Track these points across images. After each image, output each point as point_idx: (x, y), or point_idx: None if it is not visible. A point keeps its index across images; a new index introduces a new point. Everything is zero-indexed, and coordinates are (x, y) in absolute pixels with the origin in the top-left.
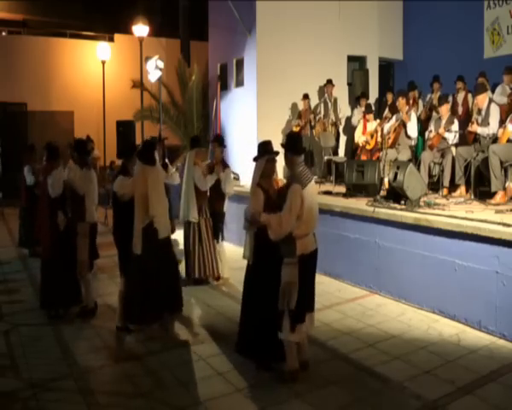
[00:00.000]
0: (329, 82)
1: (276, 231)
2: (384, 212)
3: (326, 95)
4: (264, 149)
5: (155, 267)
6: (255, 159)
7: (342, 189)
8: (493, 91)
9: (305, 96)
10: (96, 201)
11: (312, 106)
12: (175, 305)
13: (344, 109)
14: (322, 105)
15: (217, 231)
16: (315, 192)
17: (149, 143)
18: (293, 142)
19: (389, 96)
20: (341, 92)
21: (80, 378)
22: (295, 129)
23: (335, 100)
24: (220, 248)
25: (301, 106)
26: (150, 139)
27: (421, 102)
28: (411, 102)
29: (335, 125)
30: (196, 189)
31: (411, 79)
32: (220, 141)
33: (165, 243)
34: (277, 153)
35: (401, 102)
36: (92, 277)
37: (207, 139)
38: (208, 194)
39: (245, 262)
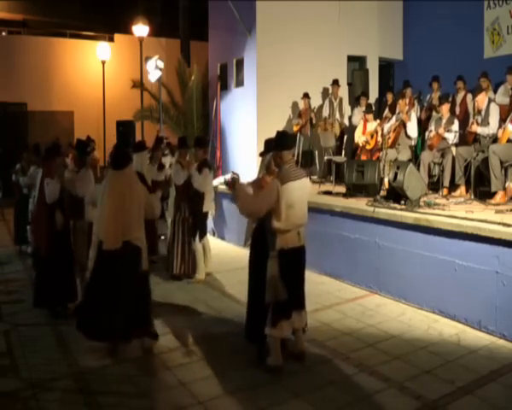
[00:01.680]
0: (335, 83)
1: (240, 206)
2: (384, 212)
3: (331, 95)
4: (270, 146)
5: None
6: (261, 154)
7: (342, 189)
8: (495, 92)
9: (306, 96)
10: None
11: (312, 106)
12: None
13: (344, 109)
14: (327, 105)
15: (195, 229)
16: (306, 191)
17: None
18: (281, 138)
19: (389, 96)
20: (341, 92)
21: (80, 378)
22: (295, 128)
23: (341, 100)
24: (203, 245)
25: (301, 105)
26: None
27: (416, 103)
28: (408, 100)
29: (340, 125)
30: (176, 187)
31: (410, 80)
32: (200, 142)
33: (110, 256)
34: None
35: (401, 103)
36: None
37: (207, 139)
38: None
39: (244, 262)
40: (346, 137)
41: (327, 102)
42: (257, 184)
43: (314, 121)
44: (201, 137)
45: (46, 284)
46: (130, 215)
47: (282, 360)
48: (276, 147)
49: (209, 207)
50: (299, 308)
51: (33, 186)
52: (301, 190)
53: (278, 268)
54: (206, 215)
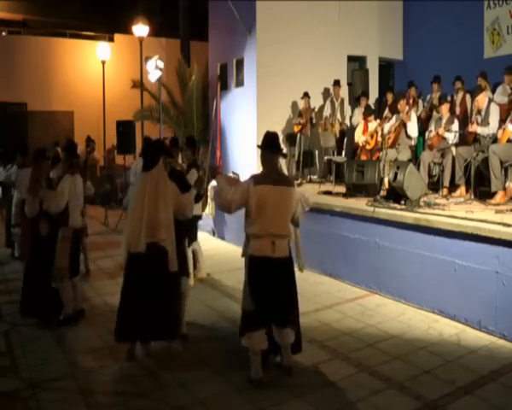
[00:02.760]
0: (337, 83)
1: (216, 197)
2: (384, 212)
3: (332, 95)
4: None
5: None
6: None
7: (342, 189)
8: (494, 92)
9: (305, 95)
10: (81, 205)
11: (312, 105)
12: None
13: (345, 110)
14: (329, 105)
15: (180, 234)
16: (286, 200)
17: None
18: (266, 139)
19: (389, 96)
20: (342, 92)
21: (80, 378)
22: (296, 128)
23: (342, 100)
24: (193, 250)
25: (301, 105)
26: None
27: (421, 102)
28: (411, 101)
29: (341, 125)
30: None
31: (412, 79)
32: (188, 142)
33: (137, 258)
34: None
35: (401, 103)
36: (77, 283)
37: (207, 139)
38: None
39: (243, 262)
40: (346, 137)
41: (328, 102)
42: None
43: (314, 121)
44: (191, 137)
45: (31, 295)
46: (156, 217)
47: (261, 373)
48: (260, 146)
49: (196, 210)
50: (280, 326)
51: (15, 186)
52: (279, 198)
53: (247, 275)
54: (194, 219)
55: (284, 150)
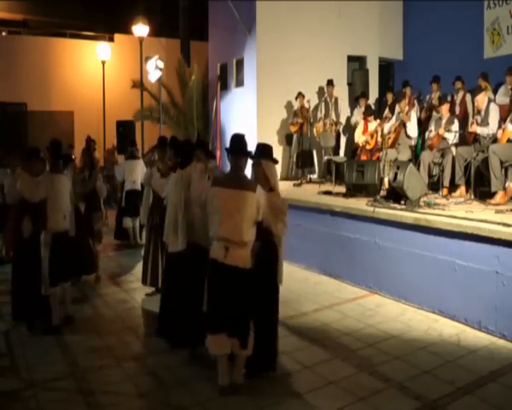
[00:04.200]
0: (330, 83)
1: None
2: (384, 212)
3: (326, 95)
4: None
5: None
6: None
7: (342, 189)
8: (495, 92)
9: (300, 95)
10: (65, 209)
11: (312, 105)
12: None
13: (344, 109)
14: (323, 105)
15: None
16: (247, 206)
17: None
18: (230, 142)
19: (389, 96)
20: (341, 92)
21: (80, 378)
22: (293, 127)
23: (336, 100)
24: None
25: (296, 105)
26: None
27: (416, 103)
28: (407, 100)
29: (336, 125)
30: (153, 191)
31: (410, 80)
32: (170, 144)
33: (175, 258)
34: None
35: (403, 103)
36: (65, 289)
37: (207, 140)
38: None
39: None
40: (342, 137)
41: (322, 102)
42: None
43: (312, 121)
44: (174, 138)
45: (20, 296)
46: (193, 215)
47: (226, 380)
48: (226, 149)
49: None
50: (234, 335)
51: None
52: (233, 202)
53: (207, 276)
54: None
55: (279, 150)
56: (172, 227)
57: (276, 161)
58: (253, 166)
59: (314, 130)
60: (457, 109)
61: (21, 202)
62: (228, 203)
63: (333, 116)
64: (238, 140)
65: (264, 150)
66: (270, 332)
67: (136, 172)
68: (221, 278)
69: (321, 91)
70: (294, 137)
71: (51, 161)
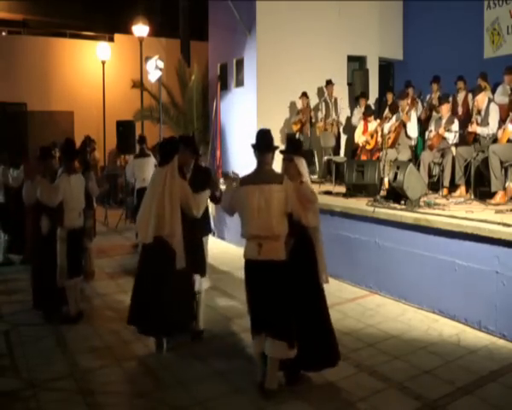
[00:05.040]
0: (329, 82)
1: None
2: (384, 212)
3: (326, 95)
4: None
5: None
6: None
7: (342, 189)
8: (493, 91)
9: (304, 95)
10: (80, 206)
11: (312, 105)
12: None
13: (344, 109)
14: (323, 105)
15: None
16: (271, 198)
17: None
18: (256, 138)
19: (389, 96)
20: (341, 92)
21: (80, 378)
22: (294, 127)
23: (335, 100)
24: None
25: (299, 104)
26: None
27: (420, 102)
28: (409, 101)
29: (336, 125)
30: None
31: (411, 79)
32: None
33: (147, 250)
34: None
35: (403, 103)
36: (77, 284)
37: (207, 140)
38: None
39: (243, 262)
40: (342, 136)
41: (322, 102)
42: None
43: (313, 121)
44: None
45: (39, 288)
46: (163, 212)
47: (260, 377)
48: (252, 145)
49: None
50: (271, 335)
51: None
52: (262, 197)
53: (244, 278)
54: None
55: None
56: (145, 220)
57: (306, 156)
58: (284, 160)
59: (317, 130)
60: (459, 110)
61: (38, 202)
62: (255, 199)
63: (333, 116)
64: (264, 135)
65: (295, 145)
66: (321, 330)
67: (148, 170)
68: (257, 276)
69: (320, 91)
70: (297, 136)
71: (66, 163)
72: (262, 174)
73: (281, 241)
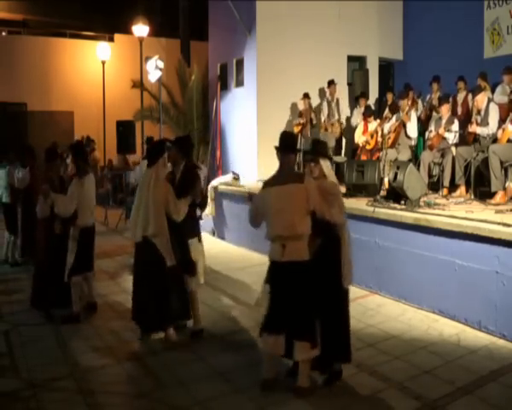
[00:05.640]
0: (331, 82)
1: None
2: (384, 212)
3: (328, 95)
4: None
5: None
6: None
7: (342, 189)
8: (493, 92)
9: (306, 96)
10: (92, 205)
11: (313, 106)
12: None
13: (344, 109)
14: (325, 105)
15: None
16: (293, 199)
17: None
18: (279, 140)
19: (389, 96)
20: (341, 92)
21: (80, 378)
22: (296, 128)
23: (337, 100)
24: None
25: (301, 106)
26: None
27: (420, 103)
28: (410, 102)
29: (339, 125)
30: None
31: (410, 80)
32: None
33: (137, 248)
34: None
35: (403, 102)
36: (89, 278)
37: (207, 140)
38: None
39: (244, 262)
40: (344, 137)
41: (324, 103)
42: None
43: (314, 122)
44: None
45: (42, 286)
46: (148, 213)
47: (267, 374)
48: (275, 147)
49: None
50: (293, 337)
51: None
52: (283, 197)
53: (268, 277)
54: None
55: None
56: (134, 220)
57: (330, 158)
58: (309, 162)
59: (321, 130)
60: (459, 110)
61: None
62: (277, 200)
63: (336, 116)
64: (287, 137)
65: (320, 147)
66: (340, 330)
67: None
68: (281, 277)
69: (322, 92)
70: (298, 137)
71: (77, 165)
72: (283, 175)
73: (304, 241)
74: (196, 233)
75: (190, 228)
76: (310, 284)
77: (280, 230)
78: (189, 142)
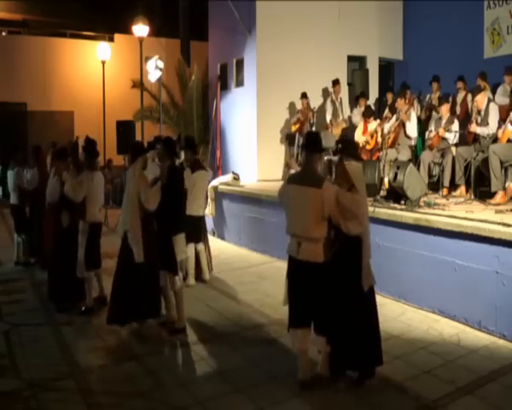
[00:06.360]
0: (336, 82)
1: None
2: (384, 212)
3: (333, 95)
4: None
5: None
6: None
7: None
8: (494, 92)
9: (303, 96)
10: (100, 202)
11: (312, 105)
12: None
13: (344, 109)
14: (329, 105)
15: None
16: (308, 202)
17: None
18: (305, 139)
19: (389, 96)
20: (341, 92)
21: (80, 378)
22: (293, 127)
23: (341, 100)
24: (198, 250)
25: (299, 105)
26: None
27: (416, 102)
28: (407, 100)
29: (345, 123)
30: None
31: (410, 80)
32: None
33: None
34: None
35: (399, 102)
36: (100, 273)
37: (207, 140)
38: None
39: (244, 262)
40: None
41: (329, 102)
42: None
43: (312, 121)
44: (190, 137)
45: (56, 280)
46: (125, 208)
47: (305, 374)
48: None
49: (197, 210)
50: (316, 332)
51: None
52: (301, 198)
53: (287, 273)
54: (197, 220)
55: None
56: (119, 217)
57: (360, 159)
58: (333, 161)
59: (329, 130)
60: (458, 109)
61: (60, 198)
62: (295, 200)
63: (341, 116)
64: (313, 137)
65: (348, 147)
66: (365, 336)
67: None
68: (296, 272)
69: (325, 92)
70: (296, 136)
71: (88, 160)
72: (305, 176)
73: (319, 244)
74: (196, 236)
75: (195, 233)
76: (325, 284)
77: (296, 229)
78: (175, 143)
